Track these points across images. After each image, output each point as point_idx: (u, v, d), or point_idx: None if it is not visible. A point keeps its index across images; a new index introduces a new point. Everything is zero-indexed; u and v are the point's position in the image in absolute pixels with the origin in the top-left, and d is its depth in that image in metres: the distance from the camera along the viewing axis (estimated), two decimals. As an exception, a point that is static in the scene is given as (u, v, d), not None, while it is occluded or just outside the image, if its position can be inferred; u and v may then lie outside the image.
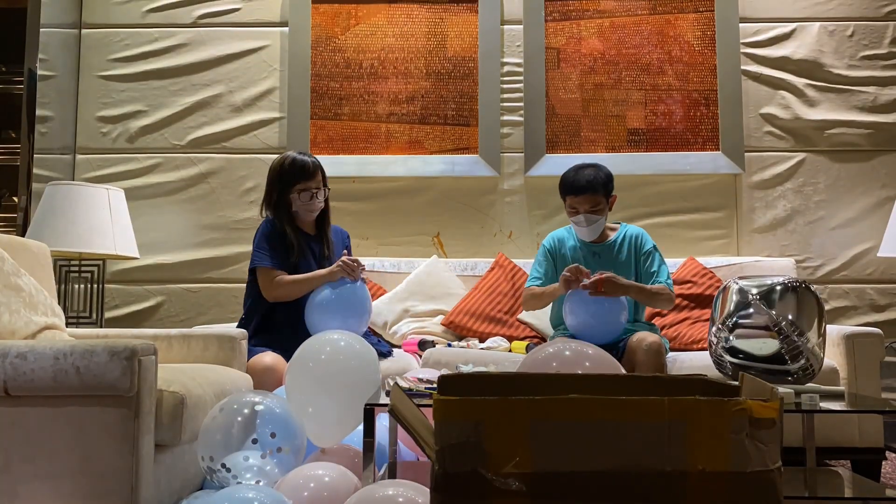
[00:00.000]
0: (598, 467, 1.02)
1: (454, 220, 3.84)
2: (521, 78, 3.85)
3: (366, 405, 1.80)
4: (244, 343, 2.51)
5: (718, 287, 3.24)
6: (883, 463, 2.84)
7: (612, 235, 3.02)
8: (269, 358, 2.60)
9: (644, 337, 2.72)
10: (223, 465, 1.83)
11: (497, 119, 3.83)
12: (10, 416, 1.62)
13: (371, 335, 3.05)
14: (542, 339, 3.23)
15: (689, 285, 3.35)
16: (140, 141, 3.89)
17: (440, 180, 3.84)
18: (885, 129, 3.79)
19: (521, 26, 3.87)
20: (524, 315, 3.29)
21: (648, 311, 3.14)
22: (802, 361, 2.25)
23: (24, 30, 3.65)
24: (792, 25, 3.85)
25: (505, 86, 3.86)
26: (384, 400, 1.83)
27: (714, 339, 2.40)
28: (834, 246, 3.75)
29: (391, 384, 1.84)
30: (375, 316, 3.32)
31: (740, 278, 2.42)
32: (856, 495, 2.03)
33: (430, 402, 1.71)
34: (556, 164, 3.71)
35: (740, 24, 3.82)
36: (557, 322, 3.04)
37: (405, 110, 3.86)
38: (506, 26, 3.89)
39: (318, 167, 2.88)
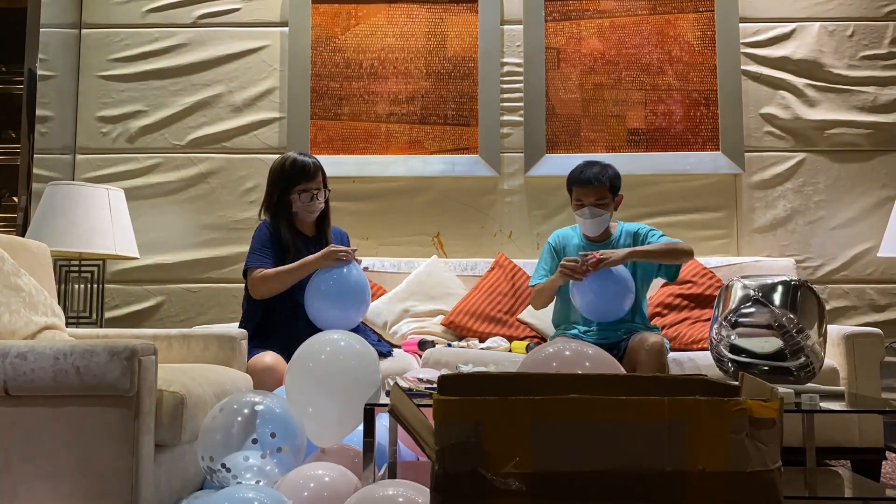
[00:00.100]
0: (598, 467, 1.02)
1: (454, 220, 3.84)
2: (521, 78, 3.85)
3: (366, 405, 1.79)
4: (244, 343, 2.51)
5: (718, 287, 3.25)
6: (883, 463, 2.84)
7: (613, 235, 3.03)
8: (269, 358, 2.59)
9: (646, 337, 2.72)
10: (223, 465, 1.83)
11: (497, 119, 3.83)
12: (10, 416, 1.62)
13: (371, 335, 3.05)
14: (542, 339, 3.23)
15: (689, 285, 3.35)
16: (140, 141, 3.89)
17: (440, 180, 3.84)
18: (885, 129, 3.79)
19: (521, 26, 3.87)
20: (524, 315, 3.29)
21: (649, 311, 3.14)
22: (803, 359, 2.25)
23: (24, 30, 3.65)
24: (792, 25, 3.85)
25: (505, 86, 3.86)
26: (384, 400, 1.83)
27: (716, 337, 2.40)
28: (834, 246, 3.75)
29: (391, 384, 1.84)
30: (375, 316, 3.32)
31: (743, 277, 2.42)
32: (856, 495, 2.03)
33: (430, 402, 1.71)
34: (556, 164, 3.71)
35: (740, 24, 3.82)
36: (559, 321, 3.04)
37: (405, 110, 3.86)
38: (506, 26, 3.89)
39: (318, 168, 2.88)
